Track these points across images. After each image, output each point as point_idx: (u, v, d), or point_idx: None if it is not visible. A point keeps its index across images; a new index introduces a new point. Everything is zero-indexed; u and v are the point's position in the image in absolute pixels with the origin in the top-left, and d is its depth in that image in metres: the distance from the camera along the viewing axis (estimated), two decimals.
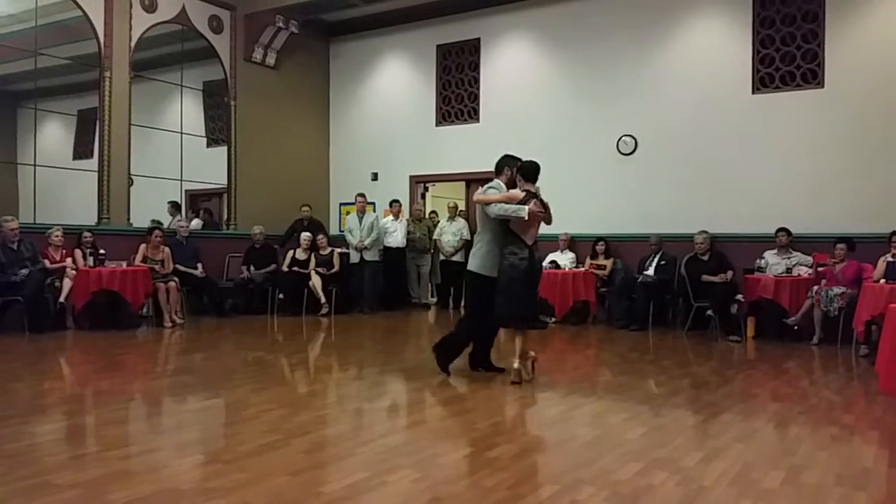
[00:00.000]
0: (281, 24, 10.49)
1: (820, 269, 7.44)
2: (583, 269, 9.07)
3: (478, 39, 10.62)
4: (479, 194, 5.24)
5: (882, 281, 6.52)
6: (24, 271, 7.34)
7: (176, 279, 8.57)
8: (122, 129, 9.10)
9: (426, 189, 11.62)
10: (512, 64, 10.33)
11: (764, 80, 8.55)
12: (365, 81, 11.69)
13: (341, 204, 11.80)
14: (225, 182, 10.54)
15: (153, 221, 9.42)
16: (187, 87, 10.25)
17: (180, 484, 2.92)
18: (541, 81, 10.09)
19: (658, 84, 9.16)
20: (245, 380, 5.21)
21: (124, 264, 8.09)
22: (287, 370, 6.01)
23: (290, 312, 9.74)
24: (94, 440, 3.68)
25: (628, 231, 9.20)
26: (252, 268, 9.82)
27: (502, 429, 3.99)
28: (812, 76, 8.27)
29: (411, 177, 11.25)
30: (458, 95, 10.87)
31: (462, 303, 10.70)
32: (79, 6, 8.67)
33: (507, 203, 5.00)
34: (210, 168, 10.46)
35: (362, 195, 10.52)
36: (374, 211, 10.80)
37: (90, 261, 7.96)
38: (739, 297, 7.83)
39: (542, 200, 5.04)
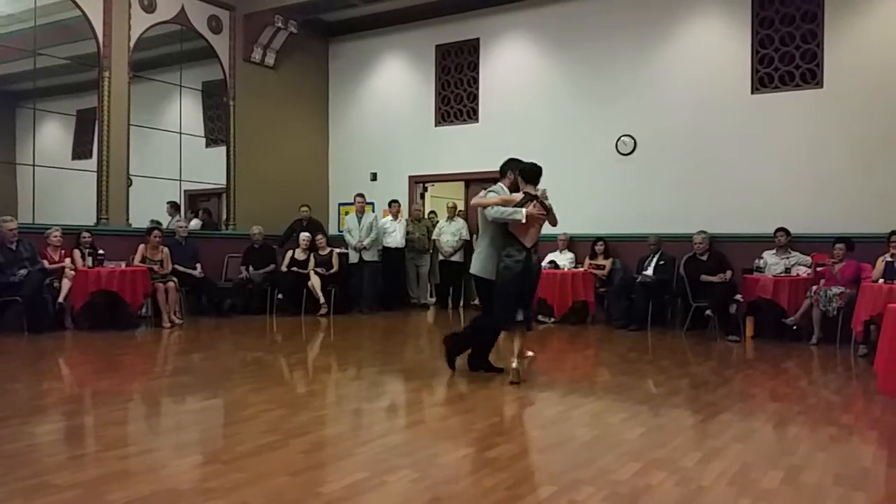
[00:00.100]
0: (280, 24, 10.49)
1: (819, 268, 7.45)
2: (582, 269, 9.08)
3: (477, 39, 10.62)
4: (478, 198, 5.25)
5: (881, 281, 6.53)
6: (23, 272, 7.32)
7: (175, 279, 8.57)
8: (121, 130, 9.10)
9: (425, 189, 11.62)
10: (511, 64, 10.34)
11: (763, 80, 8.56)
12: (364, 81, 11.69)
13: (340, 204, 11.80)
14: (224, 182, 10.54)
15: (152, 221, 9.41)
16: (186, 87, 10.25)
17: (179, 484, 2.92)
18: (540, 81, 10.09)
19: (657, 84, 9.17)
20: (244, 380, 5.21)
21: (123, 264, 8.08)
22: (286, 370, 6.01)
23: (288, 313, 9.74)
24: (93, 440, 3.68)
25: (627, 231, 9.20)
26: (251, 268, 9.82)
27: (501, 429, 3.99)
28: (811, 76, 8.28)
29: (410, 177, 11.25)
30: (457, 95, 10.88)
31: (461, 303, 10.78)
32: (78, 6, 8.67)
33: (503, 206, 5.01)
34: (209, 168, 10.46)
35: (361, 195, 10.52)
36: (373, 211, 10.80)
37: (89, 261, 7.95)
38: (738, 297, 7.83)
39: (542, 203, 5.04)
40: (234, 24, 10.52)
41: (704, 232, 8.22)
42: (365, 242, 10.13)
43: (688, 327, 8.13)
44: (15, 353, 6.40)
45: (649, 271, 8.62)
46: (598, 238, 9.18)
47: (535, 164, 5.20)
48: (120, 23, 9.05)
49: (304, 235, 10.13)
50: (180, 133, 10.07)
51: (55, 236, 7.86)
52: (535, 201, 5.00)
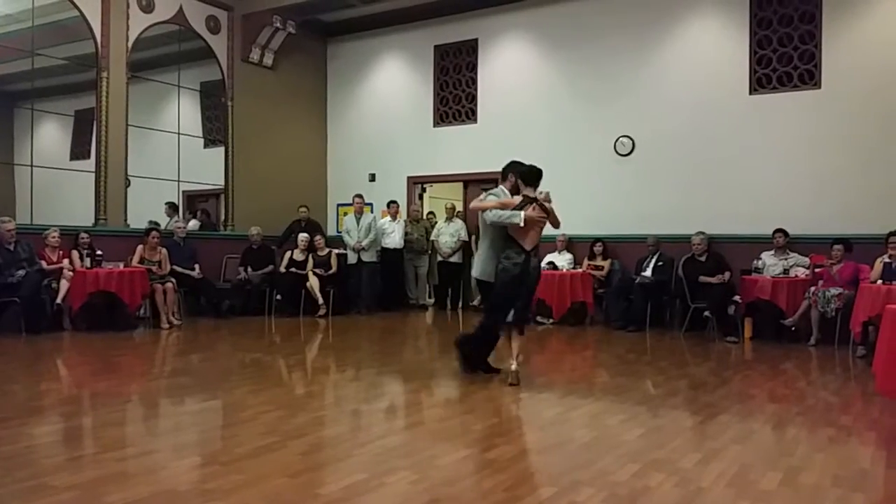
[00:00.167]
0: (278, 25, 10.48)
1: (817, 269, 7.47)
2: (580, 270, 9.08)
3: (475, 40, 10.62)
4: (477, 201, 5.25)
5: (879, 282, 6.53)
6: (21, 272, 7.31)
7: (173, 280, 8.56)
8: (120, 130, 9.09)
9: (424, 190, 11.63)
10: (509, 64, 10.34)
11: (761, 80, 8.57)
12: (362, 82, 11.69)
13: (339, 205, 11.80)
14: (222, 183, 10.53)
15: (150, 222, 9.39)
16: (184, 87, 10.24)
17: (178, 486, 2.92)
18: (538, 82, 10.10)
19: (655, 85, 9.18)
20: (242, 381, 5.21)
21: (121, 265, 8.07)
22: (284, 371, 6.01)
23: (287, 313, 9.73)
24: (91, 442, 3.67)
25: (626, 232, 9.21)
26: (249, 269, 9.81)
27: (500, 430, 3.99)
28: (809, 77, 8.29)
29: (409, 178, 11.25)
30: (455, 96, 10.88)
31: (460, 304, 10.78)
32: (76, 6, 8.66)
33: (502, 209, 5.00)
34: (207, 169, 10.45)
35: (360, 196, 10.51)
36: (372, 212, 10.79)
37: (87, 262, 7.94)
38: (737, 297, 7.84)
39: (542, 205, 5.03)
40: (232, 25, 10.51)
41: (703, 233, 8.23)
42: (363, 243, 10.12)
43: (686, 328, 8.14)
44: (13, 353, 6.39)
45: (648, 272, 8.62)
46: (597, 239, 9.19)
47: (534, 167, 5.19)
48: (118, 23, 9.04)
49: (303, 236, 10.12)
50: (178, 133, 10.06)
51: (53, 237, 7.85)
52: (534, 204, 5.00)
